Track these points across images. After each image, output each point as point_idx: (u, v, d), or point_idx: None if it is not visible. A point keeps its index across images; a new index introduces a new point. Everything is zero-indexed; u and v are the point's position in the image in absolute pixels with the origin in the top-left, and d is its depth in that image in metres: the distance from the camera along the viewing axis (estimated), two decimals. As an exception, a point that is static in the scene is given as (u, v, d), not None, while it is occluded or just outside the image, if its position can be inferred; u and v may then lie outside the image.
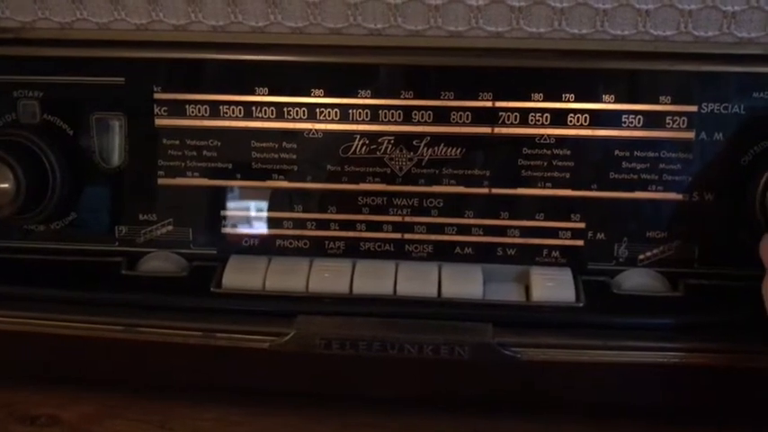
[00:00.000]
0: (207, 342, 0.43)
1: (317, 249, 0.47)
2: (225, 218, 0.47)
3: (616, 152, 0.45)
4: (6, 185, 0.44)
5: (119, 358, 0.46)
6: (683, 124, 0.44)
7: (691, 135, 0.44)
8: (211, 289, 0.45)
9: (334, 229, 0.47)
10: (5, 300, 0.45)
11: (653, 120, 0.44)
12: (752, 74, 0.43)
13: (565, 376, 0.44)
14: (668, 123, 0.44)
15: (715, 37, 0.42)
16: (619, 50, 0.43)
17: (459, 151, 0.46)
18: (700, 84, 0.44)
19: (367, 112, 0.45)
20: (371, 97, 0.45)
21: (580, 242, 0.46)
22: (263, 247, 0.47)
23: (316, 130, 0.46)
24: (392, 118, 0.45)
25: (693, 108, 0.44)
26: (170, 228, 0.47)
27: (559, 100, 0.44)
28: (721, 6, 0.41)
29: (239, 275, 0.46)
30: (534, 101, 0.44)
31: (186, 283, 0.46)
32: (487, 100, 0.45)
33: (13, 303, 0.45)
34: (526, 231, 0.46)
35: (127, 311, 0.45)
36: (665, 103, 0.44)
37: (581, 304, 0.44)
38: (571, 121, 0.45)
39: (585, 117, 0.44)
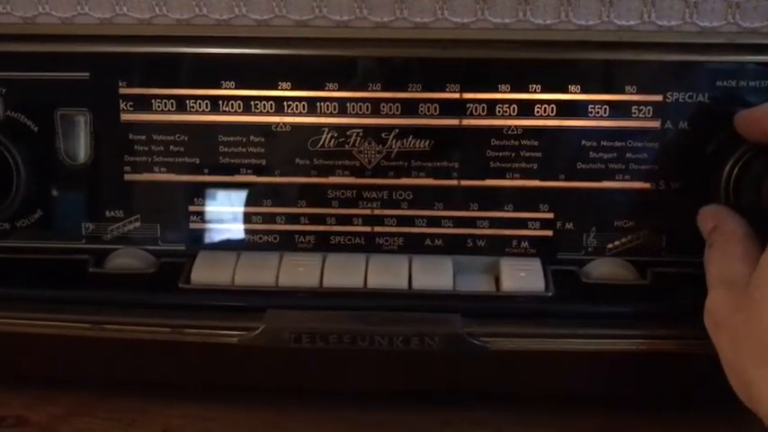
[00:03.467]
0: (176, 338, 0.43)
1: (287, 243, 0.47)
2: (193, 213, 0.47)
3: (583, 142, 0.45)
4: (-30, 182, 0.44)
5: (87, 357, 0.45)
6: (649, 113, 0.45)
7: (656, 124, 0.45)
8: (180, 285, 0.45)
9: (304, 223, 0.47)
10: (-28, 299, 0.45)
11: (619, 109, 0.45)
12: (715, 63, 0.44)
13: (534, 365, 0.44)
14: (634, 113, 0.45)
15: (678, 26, 0.43)
16: (584, 41, 0.43)
17: (427, 143, 0.46)
18: (664, 73, 0.44)
19: (335, 105, 0.45)
20: (339, 90, 0.45)
21: (549, 232, 0.46)
22: (232, 243, 0.47)
23: (284, 123, 0.46)
24: (360, 110, 0.45)
25: (659, 97, 0.45)
26: (138, 224, 0.47)
27: (526, 91, 0.45)
28: (683, -5, 0.42)
29: (208, 271, 0.45)
30: (501, 92, 0.45)
31: (154, 280, 0.46)
32: (455, 91, 0.45)
33: (-20, 302, 0.45)
34: (495, 222, 0.46)
35: (94, 309, 0.44)
36: (631, 93, 0.44)
37: (550, 294, 0.44)
38: (538, 112, 0.45)
39: (552, 107, 0.45)
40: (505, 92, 0.45)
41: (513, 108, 0.45)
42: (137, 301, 0.45)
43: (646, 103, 0.45)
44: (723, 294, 0.39)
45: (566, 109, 0.45)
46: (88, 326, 0.44)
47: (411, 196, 0.46)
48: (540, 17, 0.43)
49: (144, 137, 0.46)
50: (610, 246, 0.46)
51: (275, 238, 0.47)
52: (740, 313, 0.38)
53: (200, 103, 0.45)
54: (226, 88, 0.45)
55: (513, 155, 0.45)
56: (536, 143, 0.45)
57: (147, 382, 0.46)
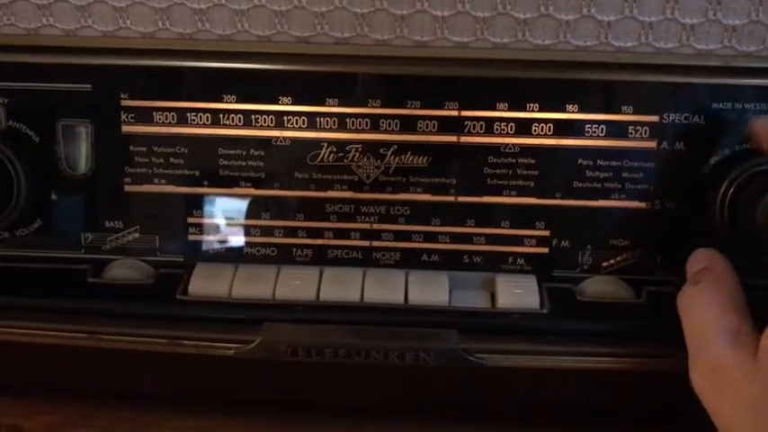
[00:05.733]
0: (173, 349, 0.44)
1: (285, 257, 0.47)
2: (192, 225, 0.47)
3: (580, 161, 0.45)
4: (-29, 191, 0.44)
5: (84, 367, 0.46)
6: (645, 134, 0.45)
7: (653, 144, 0.45)
8: (177, 296, 0.45)
9: (302, 237, 0.47)
10: (-30, 308, 0.45)
11: (616, 129, 0.45)
12: (711, 85, 0.44)
13: (529, 382, 0.44)
14: (631, 133, 0.45)
15: (675, 49, 0.43)
16: (581, 61, 0.44)
17: (425, 159, 0.46)
18: (661, 94, 0.45)
19: (335, 120, 0.46)
20: (339, 105, 0.45)
21: (545, 250, 0.47)
22: (230, 255, 0.47)
23: (283, 137, 0.46)
24: (359, 126, 0.46)
25: (655, 118, 0.45)
26: (137, 235, 0.47)
27: (524, 110, 0.45)
28: (680, 19, 0.42)
29: (206, 283, 0.46)
30: (499, 110, 0.45)
31: (152, 291, 0.46)
32: (453, 109, 0.45)
33: (-24, 311, 0.45)
34: (492, 239, 0.47)
35: (92, 319, 0.45)
36: (628, 113, 0.45)
37: (545, 311, 0.45)
38: (535, 131, 0.45)
39: (549, 126, 0.45)
40: (503, 110, 0.45)
41: (511, 126, 0.45)
42: (134, 312, 0.45)
43: (642, 124, 0.45)
44: (729, 353, 0.37)
45: (563, 128, 0.45)
46: (85, 336, 0.44)
47: (408, 211, 0.47)
48: (539, 38, 0.43)
49: (144, 149, 0.46)
50: (605, 264, 0.47)
51: (273, 251, 0.47)
52: (756, 383, 0.35)
53: (200, 116, 0.46)
54: (227, 102, 0.46)
55: (510, 172, 0.46)
56: (533, 161, 0.46)
57: (143, 393, 0.47)
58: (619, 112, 0.45)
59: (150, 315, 0.45)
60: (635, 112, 0.45)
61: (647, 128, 0.45)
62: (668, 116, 0.45)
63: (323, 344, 0.43)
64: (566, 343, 0.44)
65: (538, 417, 0.46)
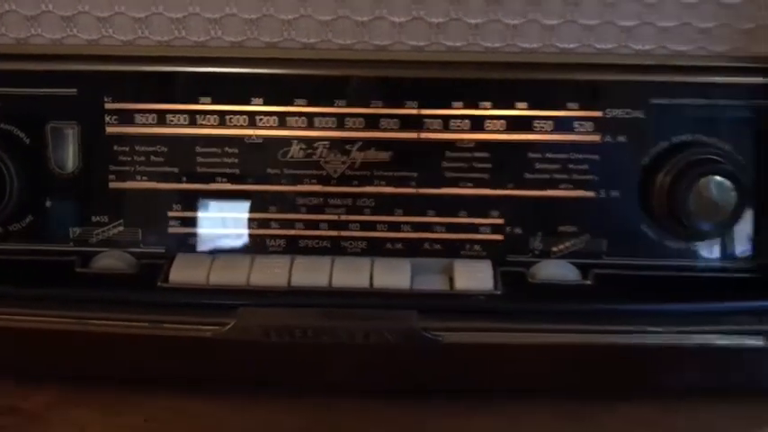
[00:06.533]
0: (154, 332, 0.47)
1: (259, 247, 0.50)
2: (172, 219, 0.50)
3: (529, 154, 0.49)
4: (-34, 189, 0.47)
5: (74, 350, 0.49)
6: (590, 128, 0.49)
7: (597, 138, 0.49)
8: (159, 284, 0.48)
9: (275, 228, 0.50)
10: (-33, 296, 0.49)
11: (562, 124, 0.49)
12: (648, 82, 0.48)
13: (485, 358, 0.48)
14: (576, 128, 0.49)
15: (614, 49, 0.47)
16: (529, 62, 0.48)
17: (388, 155, 0.49)
18: (603, 92, 0.48)
19: (303, 119, 0.49)
20: (307, 105, 0.49)
21: (499, 237, 0.50)
22: (207, 246, 0.50)
23: (256, 135, 0.49)
24: (326, 124, 0.49)
25: (598, 113, 0.49)
26: (121, 228, 0.51)
27: (477, 107, 0.49)
28: (617, 22, 0.46)
29: (185, 271, 0.49)
30: (455, 108, 0.49)
31: (136, 279, 0.49)
32: (413, 108, 0.49)
33: (-25, 299, 0.48)
34: (450, 227, 0.50)
35: (80, 306, 0.47)
36: (573, 109, 0.49)
37: (499, 292, 0.48)
38: (488, 127, 0.49)
39: (501, 123, 0.49)
40: (459, 108, 0.49)
41: (466, 123, 0.49)
42: (119, 299, 0.48)
43: (586, 119, 0.49)
44: None
45: (513, 124, 0.49)
46: (74, 321, 0.47)
47: (373, 203, 0.50)
48: (489, 41, 0.47)
49: (127, 148, 0.50)
50: (555, 249, 0.50)
51: (247, 242, 0.51)
52: None
53: (179, 117, 0.49)
54: (202, 103, 0.49)
55: (467, 166, 0.49)
56: (487, 155, 0.49)
57: (129, 375, 0.50)
58: (564, 108, 0.49)
59: (134, 302, 0.48)
60: (579, 108, 0.48)
61: (591, 123, 0.49)
62: (610, 111, 0.48)
63: (293, 325, 0.46)
64: (517, 321, 0.47)
65: (494, 391, 0.49)
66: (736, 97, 0.48)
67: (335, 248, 0.50)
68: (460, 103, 0.48)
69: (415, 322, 0.46)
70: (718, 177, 0.46)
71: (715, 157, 0.47)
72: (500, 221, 0.50)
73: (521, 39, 0.47)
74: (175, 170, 0.50)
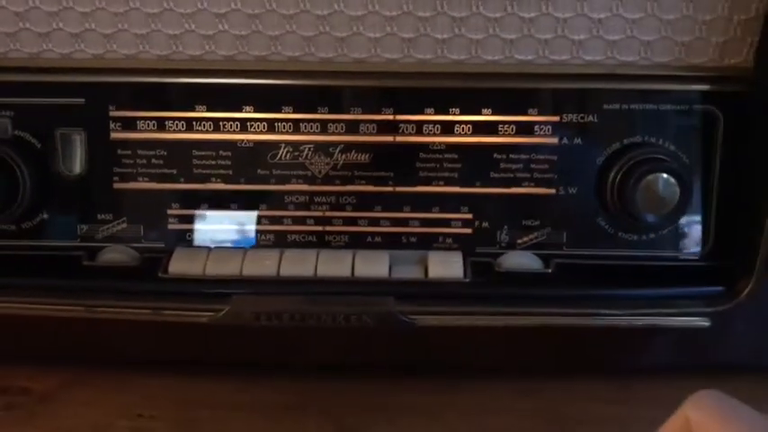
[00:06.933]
0: (155, 318, 0.51)
1: (250, 241, 0.55)
2: (171, 216, 0.54)
3: (495, 155, 0.53)
4: (-16, 190, 0.52)
5: (81, 336, 0.53)
6: (549, 132, 0.53)
7: (555, 140, 0.53)
8: (159, 275, 0.52)
9: (265, 224, 0.55)
10: (-16, 287, 0.53)
11: (523, 128, 0.53)
12: (600, 90, 0.52)
13: (456, 340, 0.53)
14: (536, 131, 0.53)
15: (568, 60, 0.52)
16: (492, 72, 0.52)
17: (367, 156, 0.54)
18: (560, 98, 0.53)
19: (290, 125, 0.53)
20: (293, 113, 0.53)
21: (469, 230, 0.54)
22: (203, 241, 0.55)
23: (247, 140, 0.54)
24: (311, 129, 0.53)
25: (556, 118, 0.53)
26: (124, 225, 0.55)
27: (447, 113, 0.53)
28: (570, 36, 0.51)
29: (183, 263, 0.53)
30: (427, 114, 0.53)
31: (138, 271, 0.53)
32: (389, 114, 0.53)
33: (-10, 291, 0.52)
34: (424, 222, 0.54)
35: (88, 295, 0.52)
36: (533, 115, 0.53)
37: (468, 280, 0.52)
38: (457, 131, 0.53)
39: (469, 127, 0.53)
40: (430, 114, 0.53)
41: (437, 128, 0.53)
42: (123, 289, 0.52)
43: (545, 123, 0.53)
44: None
45: (480, 128, 0.53)
46: (83, 309, 0.51)
47: (354, 200, 0.54)
48: (456, 54, 0.51)
49: (130, 152, 0.54)
50: (519, 241, 0.54)
51: (240, 237, 0.55)
52: None
53: (177, 124, 0.53)
54: (198, 111, 0.53)
55: (438, 166, 0.53)
56: (456, 156, 0.53)
57: (131, 358, 0.54)
58: (525, 113, 0.53)
59: (136, 291, 0.52)
60: (539, 114, 0.53)
61: (549, 126, 0.53)
62: (567, 116, 0.53)
63: (282, 311, 0.51)
64: (485, 306, 0.51)
65: (463, 370, 0.54)
66: (678, 102, 0.52)
67: (320, 242, 0.55)
68: (432, 110, 0.53)
69: (392, 307, 0.51)
70: (663, 174, 0.51)
71: (660, 157, 0.52)
72: (469, 216, 0.54)
73: (484, 52, 0.51)
74: (174, 172, 0.54)
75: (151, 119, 0.53)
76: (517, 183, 0.54)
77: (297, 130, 0.53)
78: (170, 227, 0.55)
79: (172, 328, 0.52)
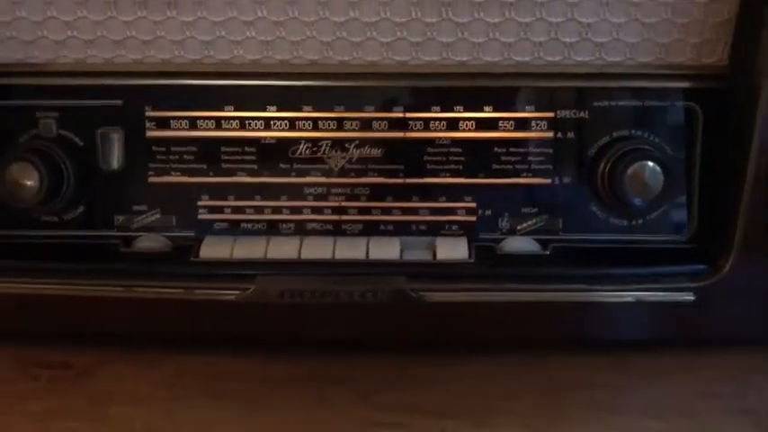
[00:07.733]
0: (188, 297, 0.56)
1: (273, 230, 0.59)
2: (201, 207, 0.59)
3: (496, 149, 0.58)
4: (32, 182, 0.56)
5: (118, 314, 0.57)
6: (545, 127, 0.58)
7: (550, 135, 0.58)
8: (191, 259, 0.57)
9: (286, 214, 0.59)
10: (32, 272, 0.57)
11: (521, 124, 0.58)
12: (591, 88, 0.57)
13: (460, 315, 0.57)
14: (533, 126, 0.58)
15: (561, 61, 0.57)
16: (492, 72, 0.57)
17: (380, 151, 0.58)
18: (555, 96, 0.57)
19: (309, 123, 0.58)
20: (313, 111, 0.58)
21: (473, 218, 0.59)
22: (230, 229, 0.59)
23: (270, 137, 0.58)
24: (329, 126, 0.58)
25: (551, 114, 0.58)
26: (158, 216, 0.59)
27: (452, 111, 0.57)
28: (562, 39, 0.56)
29: (212, 248, 0.57)
30: (434, 112, 0.58)
31: (171, 256, 0.57)
32: (400, 112, 0.58)
33: (38, 274, 0.57)
34: (432, 211, 0.58)
35: (126, 277, 0.56)
36: (530, 111, 0.58)
37: (472, 261, 0.57)
38: (462, 127, 0.58)
39: (472, 123, 0.58)
40: (437, 112, 0.58)
41: (443, 124, 0.58)
42: (158, 271, 0.56)
43: (542, 119, 0.58)
44: None
45: (482, 124, 0.58)
46: (121, 289, 0.56)
47: (368, 191, 0.58)
48: (459, 56, 0.57)
49: (164, 149, 0.58)
50: (519, 227, 0.59)
51: (263, 226, 0.59)
52: None
53: (207, 122, 0.58)
54: (227, 111, 0.58)
55: (444, 159, 0.58)
56: (461, 150, 0.58)
57: (165, 335, 0.58)
58: (523, 110, 0.58)
59: (170, 273, 0.56)
60: (535, 111, 0.58)
61: (545, 122, 0.58)
62: (561, 113, 0.58)
63: (303, 289, 0.55)
64: (487, 283, 0.56)
65: (468, 344, 0.58)
66: (661, 99, 0.57)
67: (337, 230, 0.59)
68: (438, 108, 0.57)
69: (403, 285, 0.55)
70: (649, 163, 0.56)
71: (646, 147, 0.57)
72: (473, 205, 0.59)
73: (485, 54, 0.57)
74: (204, 166, 0.58)
75: (184, 118, 0.58)
76: (516, 174, 0.58)
77: (315, 128, 0.58)
78: (200, 217, 0.59)
79: (202, 307, 0.56)
